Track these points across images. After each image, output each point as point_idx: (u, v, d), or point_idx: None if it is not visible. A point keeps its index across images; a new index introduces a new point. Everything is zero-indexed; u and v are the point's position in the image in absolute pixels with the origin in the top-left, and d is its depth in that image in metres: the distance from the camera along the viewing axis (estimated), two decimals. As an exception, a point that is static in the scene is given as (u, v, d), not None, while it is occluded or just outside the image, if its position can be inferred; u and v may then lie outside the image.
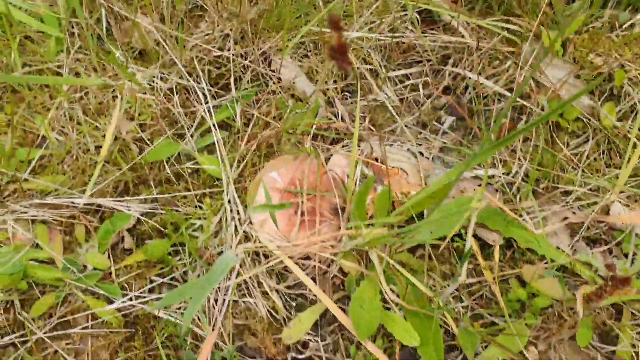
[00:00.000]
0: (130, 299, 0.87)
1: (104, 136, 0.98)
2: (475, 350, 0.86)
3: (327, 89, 1.11)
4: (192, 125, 1.01)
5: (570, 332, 0.87)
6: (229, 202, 0.92)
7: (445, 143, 1.12)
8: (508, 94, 1.10)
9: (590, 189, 1.05)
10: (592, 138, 1.10)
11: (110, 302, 0.87)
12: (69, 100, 1.01)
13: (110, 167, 0.98)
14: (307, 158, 0.96)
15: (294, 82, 1.08)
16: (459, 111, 1.13)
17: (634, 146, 0.98)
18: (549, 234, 1.00)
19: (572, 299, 0.86)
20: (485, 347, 0.87)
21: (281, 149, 1.02)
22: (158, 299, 0.88)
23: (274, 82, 1.07)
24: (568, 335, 0.88)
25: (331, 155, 1.00)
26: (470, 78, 1.14)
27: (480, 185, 1.03)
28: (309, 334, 0.88)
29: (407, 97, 1.15)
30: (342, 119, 1.09)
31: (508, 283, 0.95)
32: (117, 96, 1.00)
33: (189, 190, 0.95)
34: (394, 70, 1.17)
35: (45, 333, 0.85)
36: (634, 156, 0.94)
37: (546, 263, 0.94)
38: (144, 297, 0.88)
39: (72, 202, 0.90)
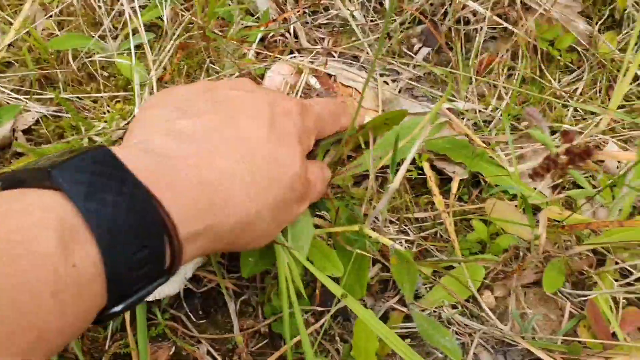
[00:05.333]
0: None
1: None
2: (417, 291, 0.72)
3: (284, 5, 0.99)
4: (115, 28, 0.89)
5: (536, 276, 0.72)
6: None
7: (416, 75, 0.98)
8: (489, 14, 0.96)
9: (581, 128, 0.90)
10: (589, 72, 0.95)
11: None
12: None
13: (19, 66, 0.87)
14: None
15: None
16: (435, 38, 1.00)
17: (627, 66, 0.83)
18: (526, 173, 0.85)
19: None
20: (430, 289, 0.72)
21: (220, 60, 0.90)
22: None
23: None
24: (533, 279, 0.72)
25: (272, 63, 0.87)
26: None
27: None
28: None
29: (377, 23, 1.02)
30: (296, 36, 0.97)
31: (471, 227, 0.80)
32: (36, -10, 0.90)
33: (101, 93, 0.83)
34: (363, -9, 1.03)
35: None
36: (628, 73, 0.79)
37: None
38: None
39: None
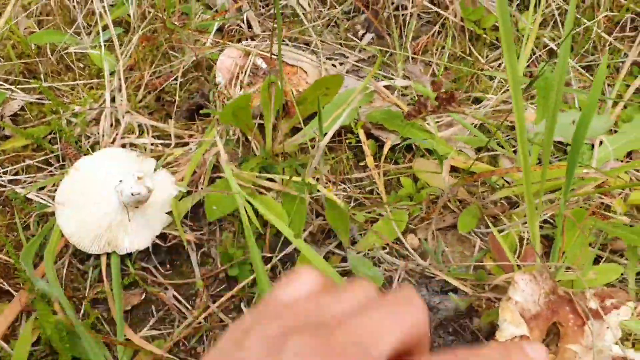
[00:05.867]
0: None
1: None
2: (353, 238, 0.83)
3: (239, -1, 1.11)
4: (89, 25, 1.01)
5: (454, 220, 0.84)
6: (112, 91, 0.92)
7: (361, 58, 1.10)
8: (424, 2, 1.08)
9: (504, 101, 1.02)
10: (511, 48, 1.07)
11: (-20, 181, 0.87)
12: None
13: (4, 62, 0.99)
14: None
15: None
16: (375, 24, 1.12)
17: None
18: (452, 139, 0.97)
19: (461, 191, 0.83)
20: (364, 235, 0.84)
21: (182, 49, 1.01)
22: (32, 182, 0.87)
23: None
24: (451, 223, 0.84)
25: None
26: (387, -10, 1.12)
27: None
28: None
29: (323, 12, 1.14)
30: (250, 26, 1.09)
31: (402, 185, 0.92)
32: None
33: (77, 81, 0.95)
34: (311, -16, 1.15)
35: None
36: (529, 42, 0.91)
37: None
38: (17, 178, 0.88)
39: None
